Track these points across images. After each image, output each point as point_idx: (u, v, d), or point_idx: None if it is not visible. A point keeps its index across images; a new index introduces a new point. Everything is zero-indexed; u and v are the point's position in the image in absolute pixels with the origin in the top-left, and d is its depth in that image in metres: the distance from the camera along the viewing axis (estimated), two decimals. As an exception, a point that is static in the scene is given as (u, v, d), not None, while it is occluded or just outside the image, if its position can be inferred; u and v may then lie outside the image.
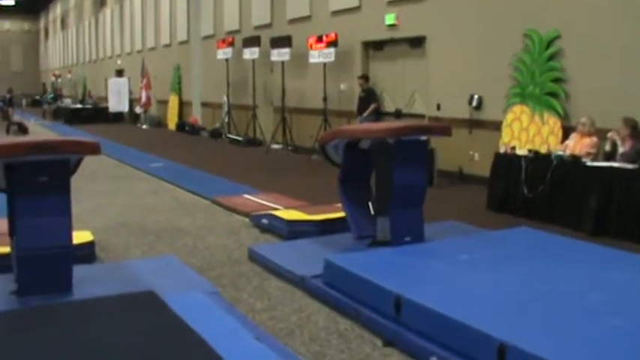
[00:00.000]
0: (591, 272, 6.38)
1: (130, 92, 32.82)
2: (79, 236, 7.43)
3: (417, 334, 5.18)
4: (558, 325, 4.86)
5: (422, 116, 14.53)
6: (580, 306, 5.32)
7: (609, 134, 9.67)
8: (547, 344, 4.44)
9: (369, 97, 15.78)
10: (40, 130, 27.85)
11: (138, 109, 31.54)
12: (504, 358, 4.42)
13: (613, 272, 6.37)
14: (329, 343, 5.41)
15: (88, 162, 6.76)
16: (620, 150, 9.52)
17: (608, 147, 9.71)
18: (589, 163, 9.48)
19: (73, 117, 33.44)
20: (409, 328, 5.28)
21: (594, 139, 10.12)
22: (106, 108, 33.88)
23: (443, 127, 8.93)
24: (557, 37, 11.39)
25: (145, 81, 30.45)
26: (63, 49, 54.66)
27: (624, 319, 4.96)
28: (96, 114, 34.01)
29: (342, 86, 17.26)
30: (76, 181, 6.42)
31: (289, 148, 18.94)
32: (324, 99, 17.23)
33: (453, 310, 5.03)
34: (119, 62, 37.91)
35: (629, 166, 8.99)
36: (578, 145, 10.19)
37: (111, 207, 11.23)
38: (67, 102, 39.78)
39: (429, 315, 5.14)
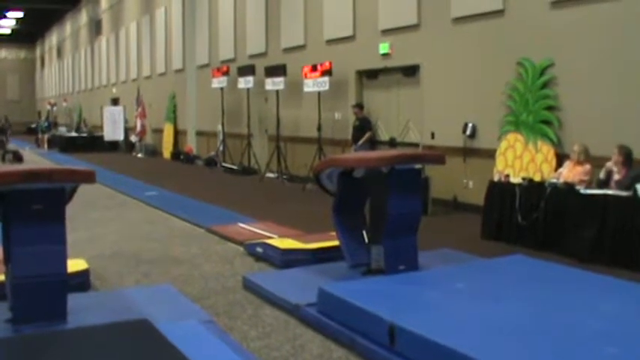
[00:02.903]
0: (587, 300, 6.38)
1: (126, 121, 32.85)
2: (74, 264, 7.44)
3: (412, 362, 5.18)
4: (554, 354, 4.88)
5: (416, 145, 14.57)
6: (575, 334, 5.33)
7: (608, 164, 9.70)
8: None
9: (363, 125, 15.82)
10: (35, 159, 27.84)
11: (133, 138, 31.58)
12: (499, 387, 4.43)
13: (608, 300, 6.37)
14: (323, 372, 5.41)
15: (83, 190, 6.77)
16: (615, 177, 9.55)
17: (602, 175, 9.73)
18: (583, 191, 9.51)
19: (68, 145, 33.46)
20: (403, 357, 5.29)
21: (587, 166, 10.15)
22: (101, 136, 33.88)
23: (437, 156, 8.96)
24: (551, 65, 11.47)
25: (140, 109, 30.52)
26: (59, 78, 54.79)
27: (620, 347, 4.97)
28: (91, 142, 33.99)
29: (337, 115, 17.32)
30: (71, 209, 6.42)
31: (284, 176, 18.95)
32: (319, 128, 17.27)
33: (448, 339, 5.03)
34: (114, 91, 38.03)
35: (623, 193, 9.01)
36: (571, 172, 10.22)
37: (106, 235, 11.22)
38: (62, 130, 39.81)
39: (423, 344, 5.14)
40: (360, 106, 16.09)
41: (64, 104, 49.57)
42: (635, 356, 4.83)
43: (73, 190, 6.53)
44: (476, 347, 4.85)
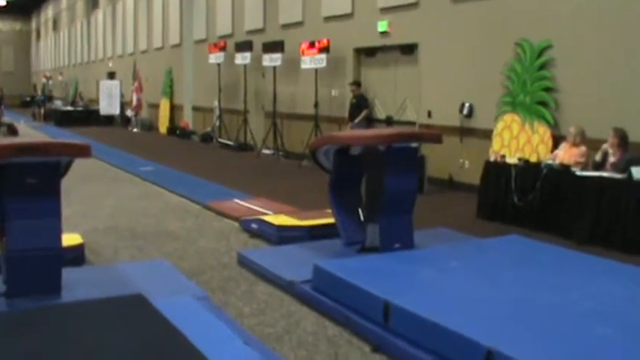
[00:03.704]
0: (580, 281, 6.40)
1: (122, 95, 32.75)
2: (69, 239, 7.43)
3: (406, 340, 5.19)
4: (546, 333, 4.88)
5: (413, 123, 14.54)
6: (568, 314, 5.34)
7: (604, 146, 9.70)
8: (535, 352, 4.47)
9: (360, 103, 15.80)
10: (31, 132, 27.76)
11: (129, 112, 31.49)
12: (492, 366, 4.44)
13: (602, 281, 6.40)
14: (317, 349, 5.42)
15: (79, 164, 6.75)
16: (611, 160, 9.56)
17: (598, 157, 9.74)
18: (578, 173, 9.52)
19: (63, 119, 33.24)
20: (398, 335, 5.30)
21: (583, 148, 10.16)
22: (97, 110, 33.77)
23: (434, 135, 8.95)
24: (549, 46, 11.44)
25: (136, 84, 30.43)
26: (54, 51, 54.54)
27: (612, 328, 4.99)
28: (87, 116, 33.81)
29: (334, 92, 17.28)
30: (66, 183, 6.41)
31: (280, 153, 18.94)
32: (316, 105, 17.24)
33: (442, 317, 5.04)
34: (111, 65, 37.88)
35: (618, 175, 9.02)
36: (567, 154, 10.22)
37: (101, 210, 11.22)
38: (58, 104, 39.65)
39: (417, 321, 5.15)
40: (357, 83, 16.05)
41: (60, 78, 49.38)
42: (628, 337, 4.84)
43: (69, 164, 6.49)
44: (469, 326, 4.86)
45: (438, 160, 13.22)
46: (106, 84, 34.26)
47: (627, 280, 6.50)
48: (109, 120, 33.08)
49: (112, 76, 36.56)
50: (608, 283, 6.35)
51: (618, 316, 5.33)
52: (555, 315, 5.32)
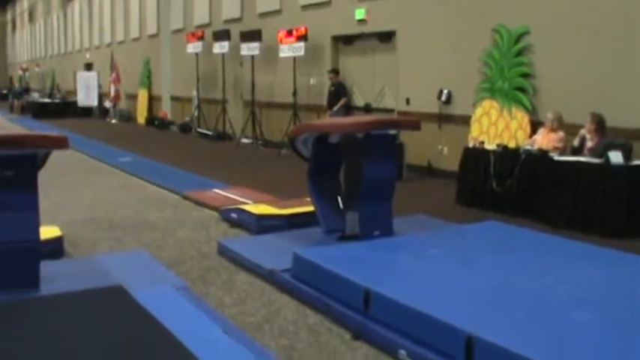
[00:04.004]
0: (559, 266, 6.43)
1: (99, 86, 32.60)
2: (47, 231, 7.39)
3: (386, 327, 5.20)
4: (526, 318, 4.91)
5: (391, 111, 14.58)
6: (547, 299, 5.37)
7: (581, 131, 9.75)
8: (514, 337, 4.48)
9: (338, 91, 15.80)
10: (7, 125, 27.57)
11: (107, 104, 31.38)
12: (472, 350, 4.46)
13: (580, 266, 6.45)
14: (298, 337, 5.42)
15: (56, 156, 6.70)
16: (588, 145, 9.61)
17: (576, 142, 9.79)
18: (556, 158, 9.57)
19: (41, 111, 32.98)
20: (378, 322, 5.31)
21: (561, 133, 10.21)
22: (75, 102, 33.55)
23: (412, 122, 8.95)
24: (526, 32, 11.48)
25: (114, 75, 30.30)
26: (31, 42, 54.22)
27: (590, 312, 5.02)
28: (64, 108, 33.57)
29: (312, 80, 17.28)
30: (43, 175, 6.36)
31: (259, 142, 18.92)
32: (294, 93, 17.24)
33: (422, 304, 5.06)
34: (88, 56, 37.70)
35: (596, 160, 9.08)
36: (545, 139, 10.27)
37: (79, 202, 11.17)
38: (35, 96, 39.40)
39: (397, 308, 5.16)
40: (335, 71, 16.05)
41: (37, 69, 49.10)
42: (605, 321, 4.87)
43: (46, 156, 6.42)
44: (449, 312, 4.88)
45: (417, 147, 13.24)
46: (83, 75, 34.06)
47: (605, 264, 6.56)
48: (87, 111, 32.90)
49: (89, 67, 36.37)
50: (586, 268, 6.39)
51: (596, 300, 5.36)
52: (534, 300, 5.35)
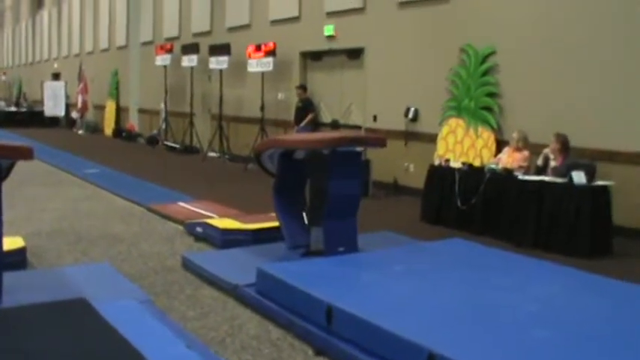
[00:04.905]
0: (520, 283, 6.49)
1: (67, 96, 32.44)
2: (10, 242, 7.33)
3: (348, 343, 5.23)
4: (486, 336, 4.95)
5: (358, 127, 14.65)
6: (508, 317, 5.42)
7: (545, 150, 9.87)
8: (475, 354, 4.53)
9: (306, 107, 15.87)
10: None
11: (74, 114, 31.21)
12: (433, 368, 4.50)
13: (541, 283, 6.53)
14: (260, 352, 5.44)
15: (21, 167, 6.67)
16: (552, 164, 9.73)
17: (540, 162, 9.91)
18: (521, 177, 9.67)
19: (6, 120, 32.62)
20: (340, 337, 5.33)
21: (526, 153, 10.33)
22: (42, 112, 33.36)
23: (378, 139, 8.99)
24: (493, 52, 11.63)
25: (81, 85, 30.15)
26: (-2, 50, 53.85)
27: (550, 330, 5.07)
28: (31, 118, 33.41)
29: (280, 96, 17.34)
30: (8, 186, 6.33)
31: (226, 156, 18.93)
32: (262, 108, 17.28)
33: (384, 320, 5.08)
34: (56, 65, 37.51)
35: (560, 180, 9.18)
36: (510, 158, 10.38)
37: (44, 213, 11.10)
38: (1, 105, 39.02)
39: (359, 324, 5.19)
40: (303, 87, 16.13)
41: (3, 77, 48.74)
42: (565, 339, 4.93)
43: (10, 167, 6.34)
44: (410, 328, 4.91)
45: (384, 164, 13.31)
46: (50, 85, 33.89)
47: (566, 282, 6.66)
48: (54, 121, 32.76)
49: (57, 76, 36.19)
50: (548, 285, 6.49)
51: (556, 318, 5.42)
52: (495, 317, 5.40)
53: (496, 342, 4.84)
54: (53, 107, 32.68)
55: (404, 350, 4.76)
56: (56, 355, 4.63)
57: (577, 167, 9.15)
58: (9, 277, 6.29)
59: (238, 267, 7.40)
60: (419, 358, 4.59)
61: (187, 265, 7.86)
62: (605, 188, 9.09)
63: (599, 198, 8.94)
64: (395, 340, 4.85)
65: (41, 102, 34.19)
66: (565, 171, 9.26)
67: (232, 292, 6.83)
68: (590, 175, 9.11)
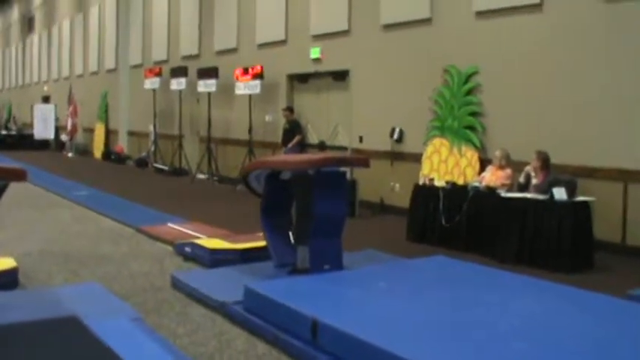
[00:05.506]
0: (502, 299, 6.65)
1: (56, 119, 32.53)
2: (2, 263, 7.46)
3: (332, 356, 5.38)
4: (467, 349, 5.09)
5: (345, 148, 14.82)
6: (489, 330, 5.56)
7: (526, 168, 10.06)
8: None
9: (293, 128, 16.04)
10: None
11: (64, 137, 31.28)
12: (413, 379, 4.66)
13: (522, 299, 6.69)
14: (247, 367, 5.59)
15: (11, 189, 6.74)
16: (533, 182, 9.91)
17: (522, 179, 10.10)
18: (503, 194, 9.85)
19: (-4, 143, 32.87)
20: (324, 352, 5.48)
21: (509, 170, 10.52)
22: (31, 135, 33.46)
23: (361, 159, 9.18)
24: (475, 72, 11.84)
25: (71, 108, 30.24)
26: (-13, 74, 53.86)
27: (529, 342, 5.22)
28: (20, 141, 33.50)
29: (268, 118, 17.51)
30: (-1, 208, 6.44)
31: (214, 178, 19.08)
32: (250, 130, 17.46)
33: (367, 334, 5.23)
34: (46, 88, 37.59)
35: (541, 197, 9.37)
36: (494, 176, 10.56)
37: (34, 234, 11.18)
38: (-10, 127, 39.21)
39: (343, 338, 5.34)
40: (290, 109, 16.30)
41: (-7, 101, 48.84)
42: (542, 350, 5.08)
43: (3, 189, 6.41)
44: (393, 342, 5.05)
45: (370, 184, 13.50)
46: (40, 108, 34.01)
47: (547, 297, 6.79)
48: (44, 144, 32.81)
49: (46, 99, 36.26)
50: (529, 300, 6.63)
51: (536, 331, 5.56)
52: (476, 331, 5.53)
53: (475, 354, 4.98)
54: (43, 130, 32.76)
55: (386, 363, 4.92)
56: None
57: (558, 184, 9.32)
58: (0, 296, 6.39)
59: (226, 285, 7.52)
60: (400, 371, 4.75)
61: (176, 284, 7.97)
62: (585, 204, 9.27)
63: (580, 213, 9.11)
64: (377, 353, 4.98)
65: (31, 125, 34.30)
66: (546, 188, 9.43)
67: (220, 309, 6.95)
68: (571, 191, 9.28)
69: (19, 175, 6.23)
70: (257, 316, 6.46)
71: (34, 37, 40.74)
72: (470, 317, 5.96)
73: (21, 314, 6.17)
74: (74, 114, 30.15)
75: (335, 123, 15.42)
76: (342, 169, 8.29)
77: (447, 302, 6.48)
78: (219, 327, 6.61)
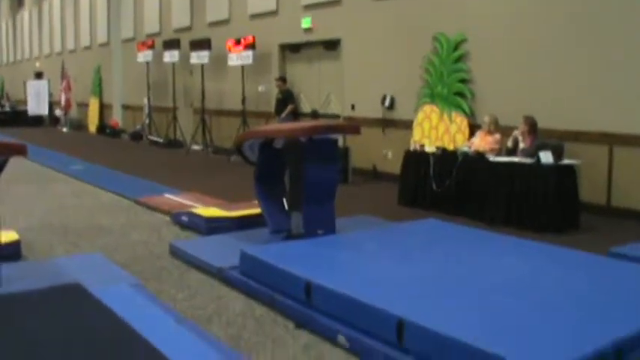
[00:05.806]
0: (490, 258, 6.88)
1: (50, 95, 32.55)
2: (5, 236, 7.60)
3: (326, 315, 5.60)
4: (453, 304, 5.31)
5: (337, 116, 14.99)
6: (475, 287, 5.79)
7: (514, 132, 10.26)
8: (441, 320, 4.86)
9: (286, 98, 16.19)
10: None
11: (58, 112, 31.33)
12: (402, 333, 4.85)
13: (510, 258, 6.93)
14: (245, 327, 5.79)
15: (9, 165, 6.80)
16: (521, 146, 10.11)
17: (510, 143, 10.29)
18: (492, 159, 10.06)
19: (-10, 120, 32.89)
20: (318, 311, 5.70)
21: (497, 135, 10.70)
22: (25, 111, 33.50)
23: (352, 127, 9.37)
24: (464, 40, 11.99)
25: (64, 83, 30.26)
26: (-21, 51, 53.72)
27: (514, 297, 5.45)
28: (14, 117, 33.45)
29: (261, 88, 17.65)
30: (-1, 184, 6.56)
31: (209, 149, 19.25)
32: (243, 100, 17.60)
33: (358, 292, 5.45)
34: (38, 64, 37.57)
35: (528, 160, 9.58)
36: (482, 141, 10.75)
37: (34, 208, 11.34)
38: (-16, 105, 39.19)
39: (335, 298, 5.56)
40: (282, 79, 16.44)
41: (-15, 78, 48.76)
42: (528, 305, 5.30)
43: (3, 164, 6.53)
44: (383, 299, 5.26)
45: (362, 151, 13.69)
46: (33, 84, 34.00)
47: (534, 256, 7.01)
48: (38, 120, 32.85)
49: (39, 75, 36.24)
50: (517, 259, 6.87)
51: (520, 287, 5.80)
52: (463, 288, 5.75)
53: (462, 308, 5.18)
54: (36, 106, 32.78)
55: (375, 318, 5.11)
56: (54, 337, 4.83)
57: (545, 148, 9.51)
58: (4, 267, 6.54)
59: (223, 251, 7.71)
60: (389, 325, 4.95)
61: (175, 252, 8.16)
62: (572, 167, 9.48)
63: (566, 176, 9.32)
64: (367, 310, 5.20)
65: (24, 101, 34.29)
66: (534, 152, 9.62)
67: (218, 274, 7.16)
68: (558, 154, 9.48)
69: (20, 150, 6.39)
70: (253, 280, 6.66)
71: (25, 13, 40.65)
72: (459, 275, 6.18)
73: (26, 284, 6.32)
74: (67, 89, 30.15)
75: (327, 92, 15.59)
76: (333, 136, 8.47)
77: (437, 262, 6.71)
78: (217, 291, 6.81)
